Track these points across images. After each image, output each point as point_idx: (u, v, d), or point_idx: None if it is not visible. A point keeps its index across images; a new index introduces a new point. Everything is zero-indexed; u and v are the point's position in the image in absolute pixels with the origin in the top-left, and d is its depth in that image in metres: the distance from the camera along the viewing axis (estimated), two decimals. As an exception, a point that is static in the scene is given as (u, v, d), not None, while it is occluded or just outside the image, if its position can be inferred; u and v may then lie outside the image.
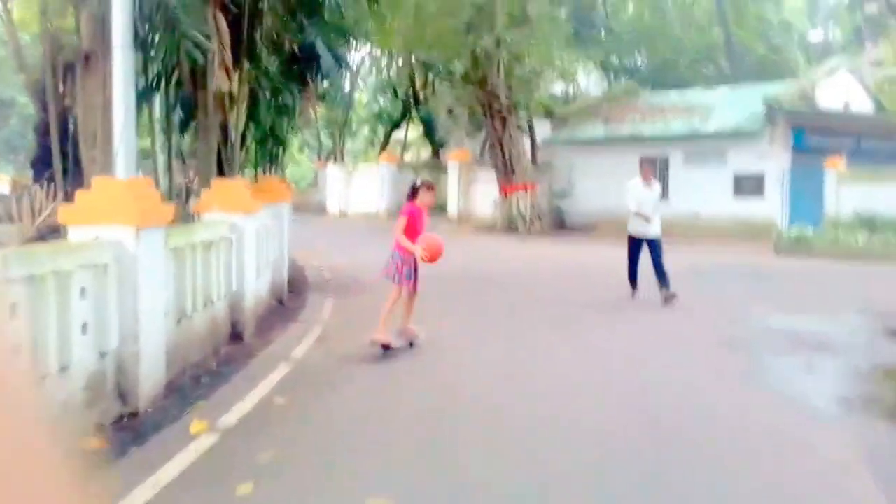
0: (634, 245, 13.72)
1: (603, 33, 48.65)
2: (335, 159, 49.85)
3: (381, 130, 55.00)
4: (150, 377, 7.06)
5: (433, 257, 9.85)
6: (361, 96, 56.50)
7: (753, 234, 25.79)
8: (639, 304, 13.62)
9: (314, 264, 20.35)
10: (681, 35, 47.99)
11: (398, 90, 50.01)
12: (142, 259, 6.87)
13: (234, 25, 13.54)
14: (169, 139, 15.25)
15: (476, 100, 30.81)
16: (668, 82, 42.58)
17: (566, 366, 9.24)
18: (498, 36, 28.06)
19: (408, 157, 55.23)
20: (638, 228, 13.60)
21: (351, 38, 18.46)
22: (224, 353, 9.67)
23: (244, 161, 15.35)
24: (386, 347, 9.55)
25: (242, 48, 13.67)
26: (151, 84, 14.52)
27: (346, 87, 33.45)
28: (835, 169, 25.75)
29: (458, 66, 30.57)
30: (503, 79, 29.08)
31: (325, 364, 9.24)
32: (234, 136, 13.60)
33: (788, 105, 26.55)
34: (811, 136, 26.79)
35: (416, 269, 10.19)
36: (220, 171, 14.17)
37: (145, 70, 13.81)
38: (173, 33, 11.15)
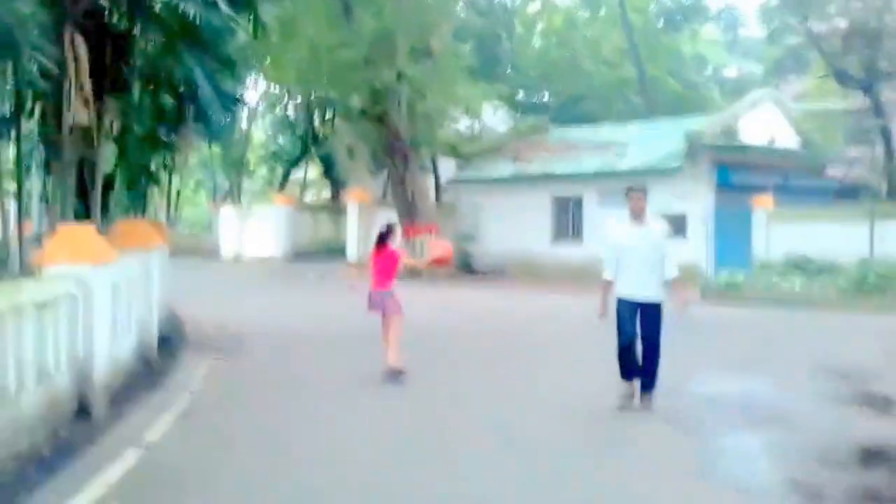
0: (625, 311, 9.32)
1: (509, 69, 48.29)
2: (232, 200, 48.21)
3: (279, 170, 53.66)
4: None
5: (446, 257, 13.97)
6: (258, 135, 55.06)
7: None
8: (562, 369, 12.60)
9: (197, 317, 18.87)
10: (590, 70, 47.88)
11: (296, 128, 48.81)
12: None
13: (98, 51, 12.24)
14: (19, 180, 13.69)
15: (377, 137, 29.75)
16: (577, 118, 42.24)
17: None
18: (399, 70, 27.09)
19: (308, 197, 53.95)
20: (628, 289, 9.34)
21: (238, 70, 17.15)
22: (64, 435, 8.26)
23: (108, 204, 13.91)
24: (400, 372, 11.18)
25: (107, 77, 12.35)
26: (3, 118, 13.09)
27: (239, 124, 31.95)
28: (763, 208, 25.15)
29: (357, 102, 29.47)
30: (405, 115, 28.09)
31: (181, 453, 7.92)
32: (97, 175, 12.18)
33: (711, 140, 26.03)
34: (736, 173, 26.33)
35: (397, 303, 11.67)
36: (86, 216, 12.81)
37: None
38: (12, 56, 9.70)
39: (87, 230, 9.48)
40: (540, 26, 53.04)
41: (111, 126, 12.81)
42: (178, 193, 59.03)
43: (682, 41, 50.80)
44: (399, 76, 27.12)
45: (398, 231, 12.20)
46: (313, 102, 42.85)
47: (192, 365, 12.81)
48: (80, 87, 10.91)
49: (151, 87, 14.53)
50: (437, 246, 14.62)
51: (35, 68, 10.52)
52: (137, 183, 14.65)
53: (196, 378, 11.73)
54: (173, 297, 19.63)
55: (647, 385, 9.42)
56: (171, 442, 8.20)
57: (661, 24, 51.61)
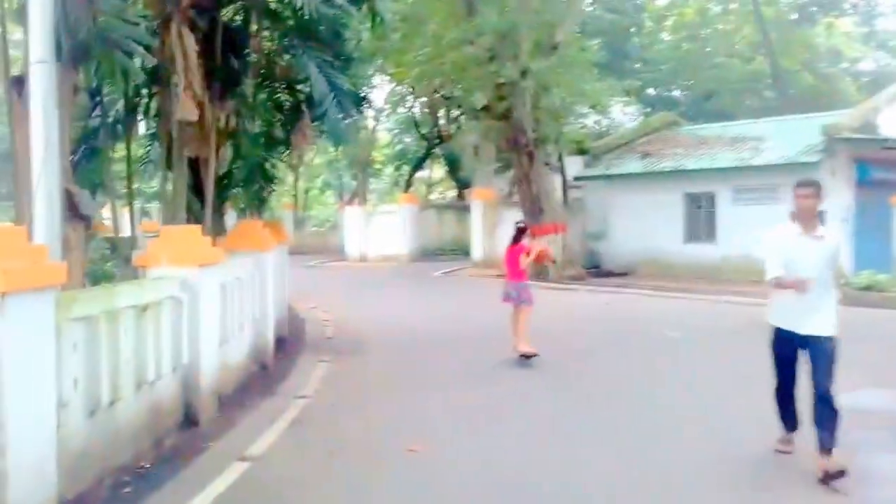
0: (783, 349, 7.25)
1: (638, 64, 47.03)
2: (359, 200, 48.33)
3: (405, 170, 53.60)
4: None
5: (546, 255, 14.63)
6: (383, 134, 55.16)
7: (814, 278, 23.59)
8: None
9: (318, 317, 18.57)
10: (722, 64, 46.26)
11: (421, 127, 48.59)
12: (5, 339, 5.06)
13: (209, 47, 11.90)
14: (129, 179, 13.48)
15: (501, 135, 29.01)
16: (708, 114, 40.87)
17: None
18: (523, 65, 26.27)
19: (433, 196, 53.77)
20: (787, 317, 7.10)
21: (357, 67, 16.70)
22: (169, 445, 7.84)
23: (223, 203, 13.59)
24: (530, 356, 12.34)
25: (219, 73, 12.00)
26: (118, 113, 12.88)
27: (361, 123, 31.73)
28: (905, 206, 23.46)
29: (481, 99, 28.78)
30: (530, 111, 27.24)
31: (288, 465, 7.39)
32: (207, 173, 11.83)
33: (849, 134, 24.35)
34: (876, 168, 24.56)
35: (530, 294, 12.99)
36: (201, 215, 12.52)
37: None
38: (120, 54, 9.35)
39: (192, 231, 9.06)
40: (670, 20, 51.54)
41: (225, 123, 12.42)
42: (307, 192, 59.84)
43: (816, 34, 48.64)
44: (524, 72, 26.27)
45: (528, 232, 13.80)
46: (437, 101, 42.48)
47: (308, 367, 12.38)
48: (189, 83, 10.53)
49: (266, 83, 14.17)
50: (537, 246, 15.14)
51: (142, 65, 10.21)
52: (253, 181, 14.30)
53: (311, 381, 11.26)
54: (294, 296, 19.45)
55: (825, 443, 6.72)
56: (279, 454, 7.69)
57: (794, 17, 49.54)
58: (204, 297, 8.71)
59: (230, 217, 17.49)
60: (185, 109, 10.60)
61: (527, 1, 27.78)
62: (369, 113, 43.89)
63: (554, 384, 11.15)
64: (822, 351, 6.88)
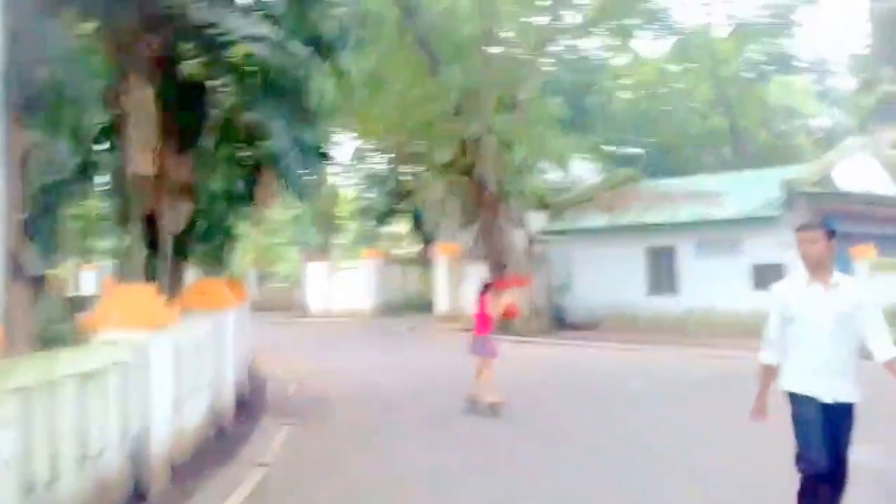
0: (810, 416, 5.71)
1: (598, 121, 47.12)
2: (323, 255, 47.69)
3: (370, 225, 53.10)
4: None
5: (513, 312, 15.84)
6: (348, 190, 54.70)
7: (777, 330, 23.26)
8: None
9: (281, 376, 17.87)
10: (680, 121, 46.58)
11: (386, 183, 48.23)
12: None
13: (167, 100, 11.39)
14: (84, 236, 12.84)
15: (466, 190, 28.68)
16: (667, 170, 40.84)
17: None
18: (487, 122, 26.06)
19: (397, 251, 53.26)
20: (804, 382, 5.78)
21: (321, 123, 16.24)
22: (115, 524, 7.18)
23: (181, 261, 12.96)
24: (495, 404, 12.62)
25: (177, 127, 11.48)
26: (79, 169, 12.29)
27: (325, 179, 31.33)
28: (865, 258, 23.18)
29: (446, 154, 28.48)
30: (493, 167, 26.97)
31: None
32: (164, 231, 11.24)
33: (808, 188, 24.24)
34: (835, 221, 24.32)
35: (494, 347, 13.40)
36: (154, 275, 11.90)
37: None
38: (74, 108, 8.80)
39: (143, 290, 8.47)
40: (629, 80, 51.82)
41: (184, 179, 11.87)
42: (271, 248, 59.04)
43: (771, 92, 49.11)
44: (487, 128, 26.08)
45: (495, 287, 14.79)
46: (402, 157, 42.16)
47: (270, 430, 11.71)
48: (144, 137, 9.99)
49: (228, 138, 13.66)
50: (507, 303, 15.74)
51: (97, 118, 9.69)
52: (213, 238, 13.70)
53: (273, 446, 10.60)
54: (257, 354, 18.79)
55: None
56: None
57: (750, 75, 50.05)
58: (156, 361, 8.10)
59: (193, 275, 16.85)
60: (140, 164, 10.05)
61: (489, 60, 27.70)
62: (334, 169, 43.50)
63: (524, 441, 10.61)
64: (841, 418, 5.74)
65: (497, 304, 13.85)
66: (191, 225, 13.33)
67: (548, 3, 30.45)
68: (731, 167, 36.07)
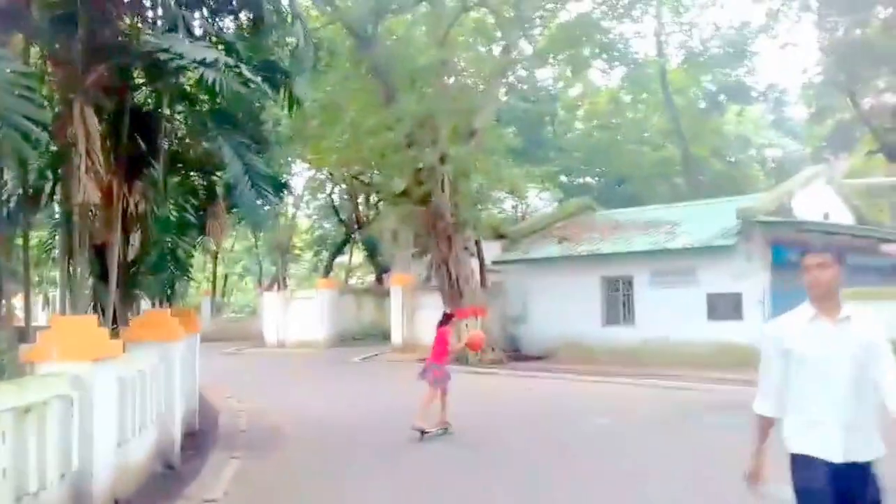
0: (812, 481, 4.47)
1: (551, 152, 47.37)
2: (278, 286, 47.29)
3: (324, 255, 52.85)
4: None
5: (477, 344, 15.72)
6: (303, 220, 54.42)
7: (733, 360, 23.13)
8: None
9: (232, 407, 17.51)
10: (633, 151, 46.91)
11: (340, 213, 48.08)
12: None
13: (114, 127, 11.13)
14: (26, 268, 12.42)
15: (420, 220, 28.54)
16: (621, 200, 41.15)
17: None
18: (442, 151, 25.98)
19: (352, 281, 53.03)
20: (812, 439, 4.50)
21: (273, 151, 16.03)
22: (52, 566, 6.85)
23: (130, 292, 12.63)
24: (423, 432, 12.81)
25: (125, 154, 11.22)
26: (26, 198, 11.91)
27: (278, 209, 31.05)
28: (828, 289, 23.21)
29: (400, 184, 28.37)
30: (448, 196, 26.87)
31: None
32: (111, 261, 10.93)
33: (765, 218, 24.32)
34: (791, 251, 24.41)
35: (447, 376, 13.59)
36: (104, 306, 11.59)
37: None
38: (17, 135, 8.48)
39: (85, 322, 8.18)
40: (582, 110, 52.25)
41: (133, 208, 11.59)
42: (226, 279, 58.54)
43: (725, 121, 49.74)
44: (442, 158, 25.99)
45: (455, 317, 15.52)
46: (357, 187, 42.07)
47: (219, 465, 11.34)
48: (92, 165, 9.71)
49: (179, 167, 13.41)
50: (473, 335, 16.25)
51: (42, 147, 9.40)
52: (164, 268, 13.38)
53: (221, 482, 10.23)
54: (209, 385, 18.40)
55: None
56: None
57: (703, 105, 50.65)
58: (98, 395, 7.81)
59: (145, 305, 16.47)
60: (88, 192, 9.75)
61: (444, 89, 27.71)
62: (289, 199, 43.23)
63: (478, 473, 10.39)
64: (867, 481, 4.47)
65: (456, 335, 14.77)
66: (141, 255, 13.05)
67: (501, 35, 30.66)
68: (685, 197, 36.31)
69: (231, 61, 9.63)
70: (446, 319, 14.41)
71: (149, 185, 12.14)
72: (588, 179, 50.94)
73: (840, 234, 25.54)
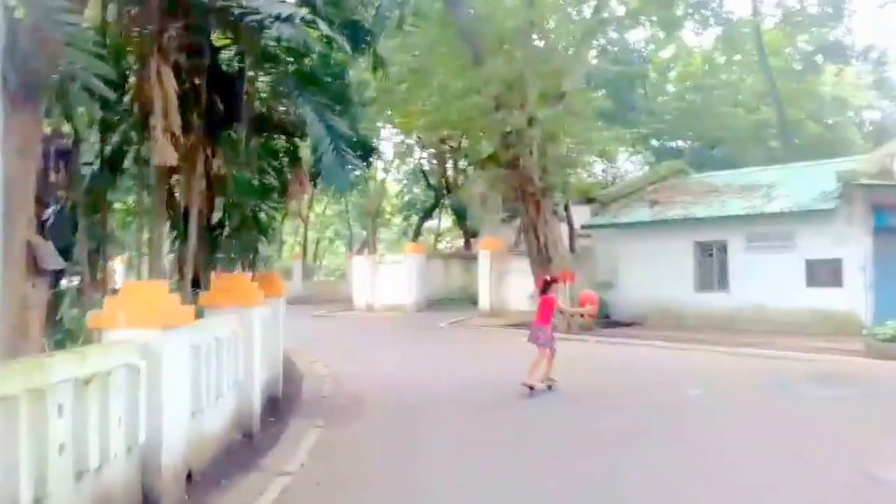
0: None
1: (643, 115, 45.95)
2: (368, 250, 47.17)
3: (414, 220, 52.52)
4: None
5: (591, 302, 15.50)
6: (393, 185, 54.14)
7: (832, 328, 22.01)
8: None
9: (318, 372, 17.16)
10: (727, 114, 45.16)
11: (429, 178, 47.58)
12: None
13: (193, 87, 10.66)
14: (104, 227, 12.09)
15: (508, 184, 27.74)
16: (714, 164, 39.64)
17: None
18: (530, 114, 25.08)
19: (441, 246, 52.67)
20: None
21: (358, 109, 15.44)
22: (119, 542, 6.43)
23: (213, 255, 12.24)
24: (532, 388, 13.52)
25: (205, 115, 10.75)
26: (105, 160, 11.57)
27: (364, 171, 30.59)
28: (929, 254, 21.84)
29: (488, 148, 27.62)
30: (537, 160, 25.98)
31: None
32: (190, 223, 10.51)
33: (866, 181, 22.86)
34: (894, 215, 23.08)
35: (552, 337, 14.36)
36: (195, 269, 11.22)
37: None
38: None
39: (156, 286, 7.70)
40: (674, 72, 50.56)
41: (217, 170, 11.15)
42: (317, 243, 58.78)
43: (821, 83, 47.53)
44: (530, 120, 25.10)
45: (559, 282, 15.87)
46: (445, 152, 41.43)
47: (299, 434, 10.91)
48: (168, 126, 9.24)
49: (261, 128, 12.91)
50: (587, 298, 15.92)
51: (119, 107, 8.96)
52: (245, 231, 12.95)
53: (300, 453, 9.79)
54: (295, 349, 18.11)
55: None
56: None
57: (799, 67, 48.49)
58: (168, 363, 7.34)
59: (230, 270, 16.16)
60: (164, 154, 9.30)
61: (533, 52, 26.78)
62: (378, 164, 42.93)
63: (575, 450, 9.72)
64: None
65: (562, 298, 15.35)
66: (222, 218, 12.66)
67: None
68: (780, 161, 34.59)
69: (309, 16, 8.99)
70: (547, 285, 14.83)
71: (230, 148, 11.70)
72: (680, 143, 49.30)
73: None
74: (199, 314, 9.91)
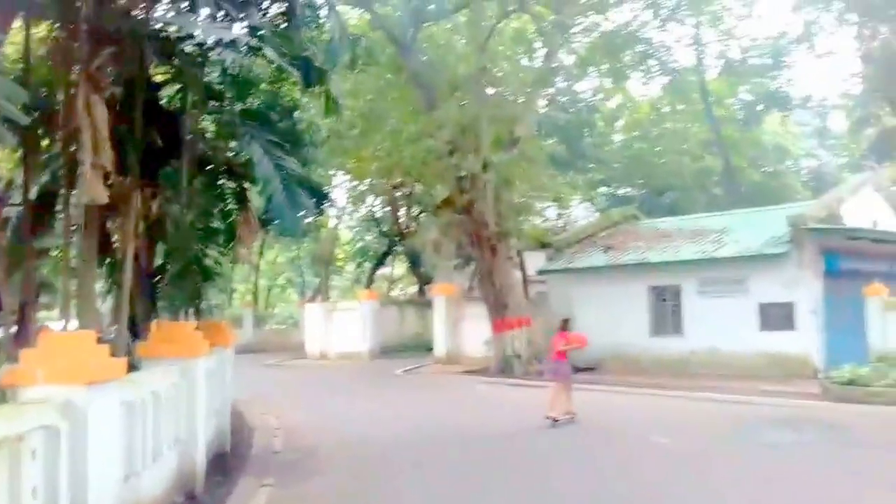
0: None
1: (591, 164, 45.83)
2: (321, 297, 46.10)
3: (367, 266, 51.61)
4: None
5: (581, 342, 16.50)
6: (345, 232, 53.23)
7: (785, 371, 21.54)
8: None
9: (269, 424, 16.08)
10: (673, 162, 45.23)
11: (381, 224, 46.80)
12: None
13: (127, 119, 9.76)
14: (27, 275, 10.98)
15: (463, 229, 27.04)
16: (662, 211, 39.44)
17: None
18: (485, 158, 24.48)
19: (394, 292, 51.80)
20: None
21: (309, 149, 14.63)
22: None
23: (152, 303, 11.24)
24: (555, 420, 14.50)
25: (137, 150, 9.84)
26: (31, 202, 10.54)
27: (316, 216, 29.79)
28: (877, 296, 21.38)
29: (442, 192, 26.96)
30: (491, 205, 25.32)
31: None
32: (125, 268, 9.52)
33: (816, 225, 22.50)
34: (844, 259, 22.71)
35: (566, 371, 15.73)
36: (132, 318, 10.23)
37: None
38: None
39: (82, 338, 6.73)
40: (622, 121, 50.60)
41: (159, 211, 10.21)
42: (269, 290, 57.52)
43: (762, 132, 47.92)
44: (485, 165, 24.50)
45: (569, 321, 16.84)
46: (398, 198, 40.71)
47: (248, 495, 9.90)
48: (98, 161, 8.30)
49: (206, 168, 12.02)
50: (575, 338, 16.67)
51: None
52: (188, 277, 11.95)
53: (248, 516, 8.81)
54: (245, 400, 17.10)
55: None
56: None
57: (741, 116, 48.85)
58: (95, 423, 6.36)
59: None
60: (93, 191, 8.35)
61: (485, 98, 26.29)
62: (331, 211, 42.03)
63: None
64: None
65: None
66: (164, 263, 11.69)
67: (542, 43, 29.29)
68: (725, 208, 34.44)
69: (254, 42, 8.17)
70: (563, 325, 16.41)
71: (172, 190, 10.78)
72: (629, 190, 49.19)
73: (891, 241, 23.78)
74: (136, 366, 8.96)
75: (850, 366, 18.42)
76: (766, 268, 22.96)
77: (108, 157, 8.42)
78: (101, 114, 8.41)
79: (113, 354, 7.04)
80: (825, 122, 52.33)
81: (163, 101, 11.90)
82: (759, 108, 49.08)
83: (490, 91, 27.56)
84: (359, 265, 55.00)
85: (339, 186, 41.53)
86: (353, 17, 26.57)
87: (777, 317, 22.98)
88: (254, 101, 11.84)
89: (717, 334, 23.67)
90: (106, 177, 8.51)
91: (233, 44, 7.83)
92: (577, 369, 25.91)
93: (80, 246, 9.69)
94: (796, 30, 41.55)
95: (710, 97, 45.42)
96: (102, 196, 8.45)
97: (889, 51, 32.39)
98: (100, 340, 7.13)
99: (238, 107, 12.47)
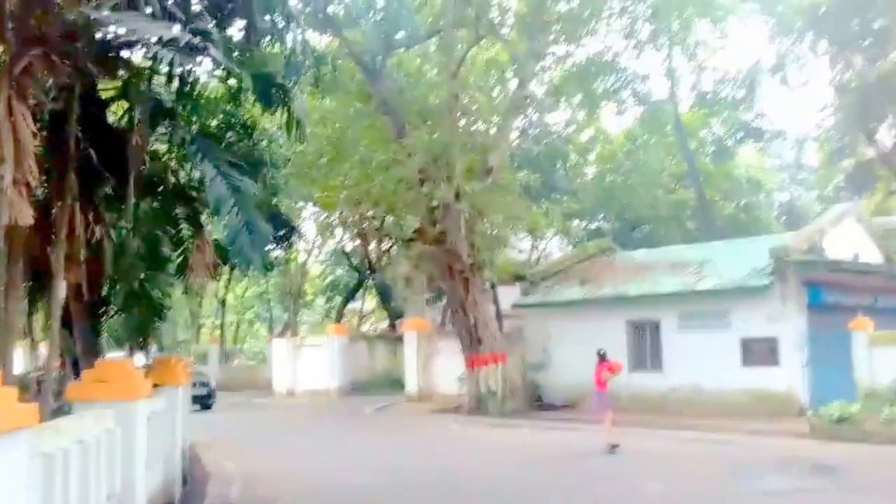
0: None
1: (563, 196, 45.14)
2: (290, 332, 44.83)
3: (337, 301, 50.46)
4: None
5: (619, 368, 17.89)
6: (314, 266, 52.09)
7: (770, 408, 20.64)
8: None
9: (227, 470, 14.81)
10: (646, 195, 44.65)
11: (351, 258, 45.74)
12: None
13: (60, 134, 8.69)
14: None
15: (435, 261, 26.01)
16: (635, 243, 38.80)
17: None
18: (457, 187, 23.51)
19: (365, 328, 50.62)
20: None
21: (270, 171, 13.56)
22: None
23: (94, 338, 10.08)
24: (613, 446, 15.77)
25: (76, 169, 8.76)
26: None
27: (283, 250, 28.61)
28: (863, 330, 20.52)
29: (413, 222, 25.96)
30: (465, 236, 24.31)
31: None
32: (54, 299, 8.39)
33: (799, 257, 21.70)
34: (828, 292, 21.93)
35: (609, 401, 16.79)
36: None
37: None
38: None
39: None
40: (594, 153, 50.03)
41: (92, 235, 9.10)
42: (237, 326, 56.18)
43: (735, 165, 47.58)
44: (457, 195, 23.52)
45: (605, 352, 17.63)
46: (368, 231, 39.66)
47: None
48: (22, 177, 7.23)
49: (158, 191, 10.94)
50: (615, 365, 17.64)
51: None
52: (133, 309, 10.80)
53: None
54: (202, 444, 15.93)
55: None
56: None
57: (714, 148, 48.49)
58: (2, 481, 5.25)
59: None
60: (16, 210, 7.26)
61: (456, 126, 25.41)
62: (300, 245, 40.89)
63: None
64: None
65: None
66: (107, 294, 10.55)
67: (514, 71, 28.55)
68: (698, 241, 33.82)
69: (198, 42, 7.15)
70: (602, 357, 17.32)
71: (115, 213, 9.68)
72: (602, 223, 48.53)
73: (873, 273, 23.08)
74: (65, 411, 7.82)
75: (838, 402, 17.59)
76: (749, 301, 22.09)
77: (33, 172, 7.35)
78: (28, 125, 7.33)
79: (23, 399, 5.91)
80: (798, 155, 52.06)
81: (111, 120, 10.82)
82: (732, 141, 48.78)
83: (461, 121, 26.72)
84: (328, 299, 53.85)
85: (308, 219, 40.54)
86: (322, 43, 25.60)
87: (760, 352, 22.09)
88: (210, 120, 10.75)
89: (697, 370, 22.70)
90: (30, 193, 7.42)
91: (174, 42, 6.83)
92: (555, 407, 25.07)
93: (1, 273, 8.56)
94: (769, 60, 41.30)
95: (684, 129, 44.98)
96: (27, 216, 7.36)
97: (864, 81, 32.02)
98: (38, 383, 5.99)
99: (194, 127, 11.39)
